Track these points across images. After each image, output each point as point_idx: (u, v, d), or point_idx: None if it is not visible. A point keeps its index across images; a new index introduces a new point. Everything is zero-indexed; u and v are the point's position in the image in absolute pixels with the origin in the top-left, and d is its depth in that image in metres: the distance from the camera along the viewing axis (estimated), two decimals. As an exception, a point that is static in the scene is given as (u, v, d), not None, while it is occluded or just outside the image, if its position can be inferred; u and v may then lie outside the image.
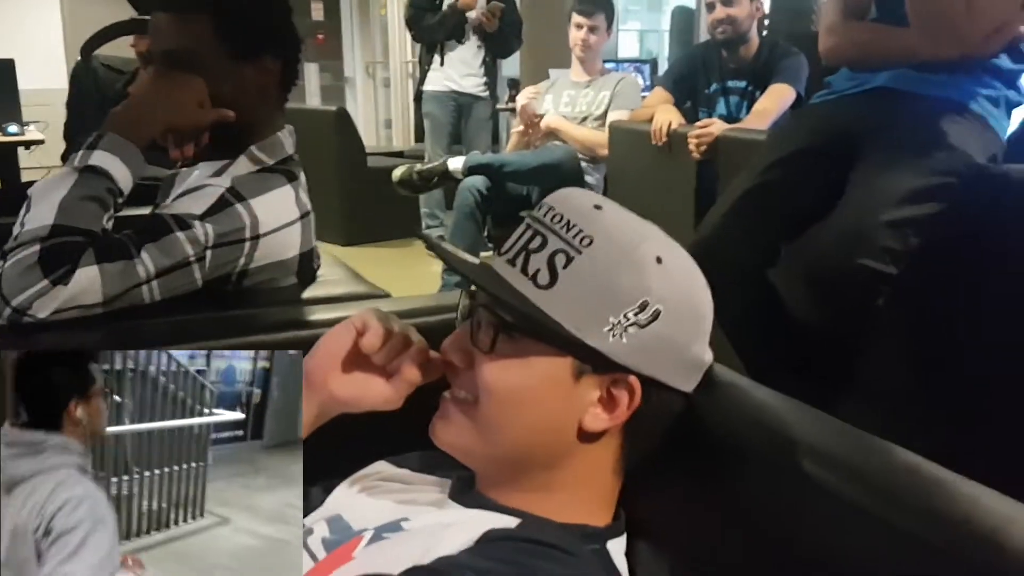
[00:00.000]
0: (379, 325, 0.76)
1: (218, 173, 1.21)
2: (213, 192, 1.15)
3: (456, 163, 3.45)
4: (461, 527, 0.70)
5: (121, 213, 1.13)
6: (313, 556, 0.75)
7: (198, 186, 1.18)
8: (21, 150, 3.68)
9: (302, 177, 1.28)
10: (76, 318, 1.03)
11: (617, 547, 0.75)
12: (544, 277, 0.71)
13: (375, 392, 0.78)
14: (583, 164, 3.50)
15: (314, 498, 0.87)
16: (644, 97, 3.63)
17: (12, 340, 1.01)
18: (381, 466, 0.89)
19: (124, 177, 1.09)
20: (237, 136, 1.22)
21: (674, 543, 0.77)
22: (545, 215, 0.73)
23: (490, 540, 0.69)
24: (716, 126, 2.61)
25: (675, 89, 3.13)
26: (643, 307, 0.70)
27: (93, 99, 2.67)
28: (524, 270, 0.72)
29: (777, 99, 2.89)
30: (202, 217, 1.12)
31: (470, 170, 3.41)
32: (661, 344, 0.72)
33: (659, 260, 0.72)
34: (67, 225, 1.02)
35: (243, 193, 1.16)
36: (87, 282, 1.02)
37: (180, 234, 1.09)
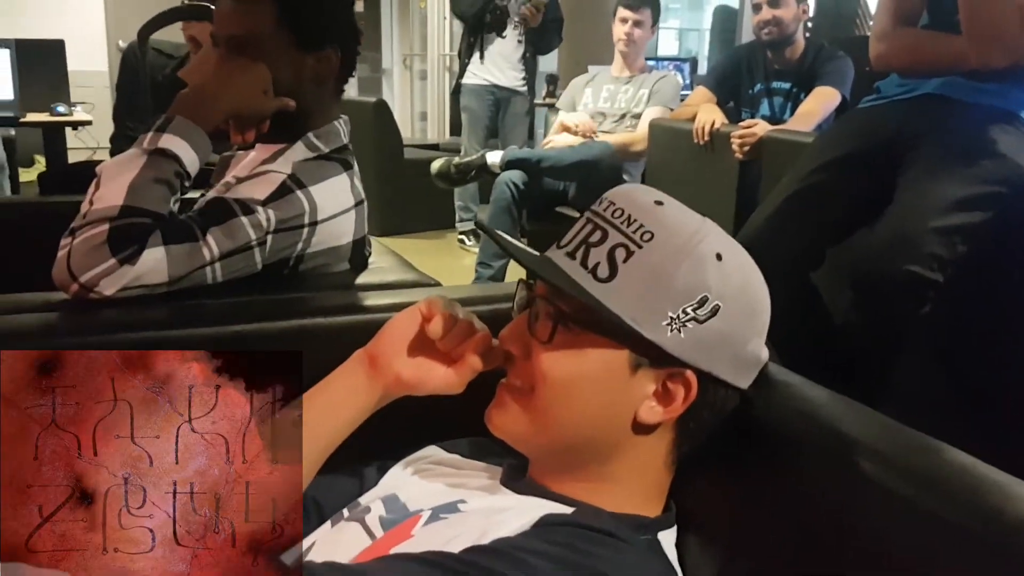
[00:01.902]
0: (444, 311, 0.78)
1: (274, 157, 1.23)
2: (275, 178, 1.17)
3: (494, 157, 3.47)
4: (517, 511, 0.72)
5: (189, 197, 1.16)
6: (371, 533, 0.77)
7: (259, 172, 1.20)
8: (68, 131, 3.75)
9: (356, 166, 1.30)
10: (141, 296, 1.05)
11: (668, 538, 0.77)
12: (604, 270, 0.72)
13: (438, 376, 0.80)
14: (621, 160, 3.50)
15: (368, 478, 0.89)
16: (683, 96, 3.62)
17: (77, 316, 1.05)
18: (432, 450, 0.91)
19: (191, 160, 1.11)
20: (295, 122, 1.24)
21: (723, 536, 0.78)
22: (606, 210, 0.75)
23: (546, 524, 0.70)
24: (760, 127, 2.60)
25: (718, 89, 3.13)
26: (702, 302, 0.71)
27: (142, 82, 2.71)
28: (584, 263, 0.73)
29: (822, 102, 2.88)
30: (264, 203, 1.14)
31: (508, 164, 3.42)
32: (719, 340, 0.73)
33: (719, 256, 0.73)
34: (136, 206, 1.05)
35: (303, 180, 1.18)
36: (153, 262, 1.04)
37: (244, 219, 1.12)
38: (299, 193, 1.17)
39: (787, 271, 1.76)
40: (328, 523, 0.83)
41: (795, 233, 1.80)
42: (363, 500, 0.83)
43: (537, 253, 0.80)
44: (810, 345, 1.75)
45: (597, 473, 0.77)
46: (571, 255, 0.75)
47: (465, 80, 4.54)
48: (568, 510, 0.74)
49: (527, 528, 0.70)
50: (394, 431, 0.88)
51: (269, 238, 1.14)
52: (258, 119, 1.20)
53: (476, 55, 4.46)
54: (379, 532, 0.77)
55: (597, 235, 0.74)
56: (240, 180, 1.21)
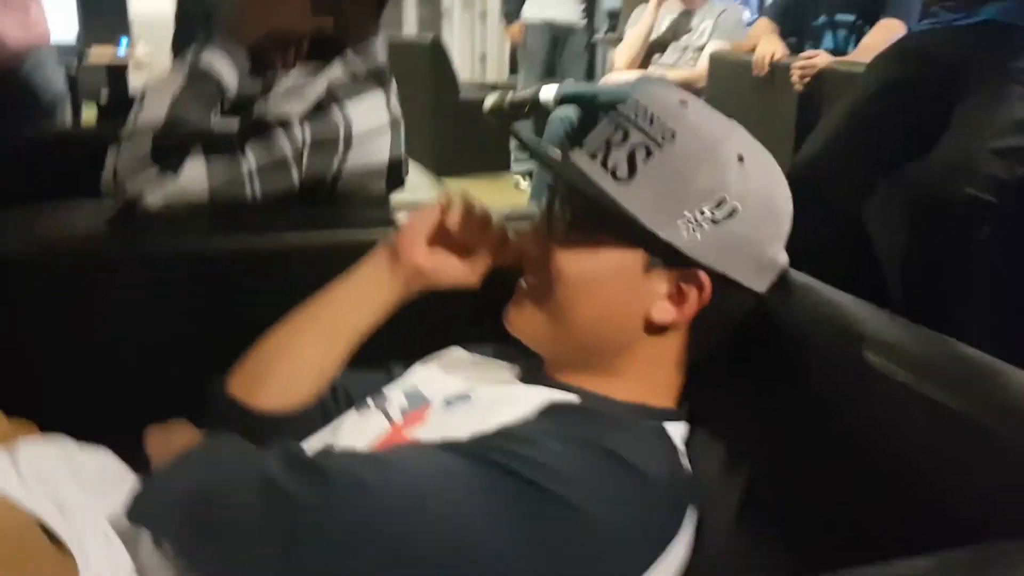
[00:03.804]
0: (461, 204, 0.81)
1: (312, 75, 1.24)
2: (311, 95, 1.19)
3: (548, 92, 3.43)
4: (523, 400, 0.73)
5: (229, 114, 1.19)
6: (390, 420, 0.80)
7: (296, 87, 1.21)
8: (131, 69, 3.83)
9: (393, 85, 1.31)
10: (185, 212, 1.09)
11: (676, 430, 0.77)
12: (623, 170, 0.72)
13: (454, 267, 0.83)
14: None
15: (395, 372, 0.92)
16: (747, 30, 3.52)
17: (124, 228, 1.09)
18: (455, 349, 0.93)
19: (231, 76, 1.13)
20: (333, 42, 1.24)
21: (735, 435, 0.78)
22: (630, 109, 0.74)
23: (552, 410, 0.71)
24: (822, 57, 2.53)
25: (781, 20, 3.02)
26: (720, 204, 0.71)
27: (200, 15, 2.73)
28: (604, 163, 0.73)
29: (886, 33, 2.75)
30: (301, 119, 1.16)
31: (562, 100, 3.39)
32: (736, 242, 0.72)
33: (740, 159, 0.72)
34: (178, 118, 1.08)
35: (339, 96, 1.20)
36: (194, 173, 1.08)
37: (280, 131, 1.14)
38: (335, 108, 1.19)
39: (838, 199, 1.72)
40: (354, 410, 0.86)
41: (850, 160, 1.75)
42: (386, 390, 0.87)
43: (559, 154, 0.81)
44: (866, 275, 1.72)
45: (608, 367, 0.77)
46: (592, 155, 0.75)
47: (522, 16, 4.48)
48: (575, 399, 0.75)
49: (533, 413, 0.71)
50: (421, 337, 0.90)
51: (305, 153, 1.16)
52: (296, 38, 1.20)
53: None
54: (399, 419, 0.80)
55: (619, 135, 0.74)
56: (278, 97, 1.23)
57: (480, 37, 8.28)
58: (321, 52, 1.24)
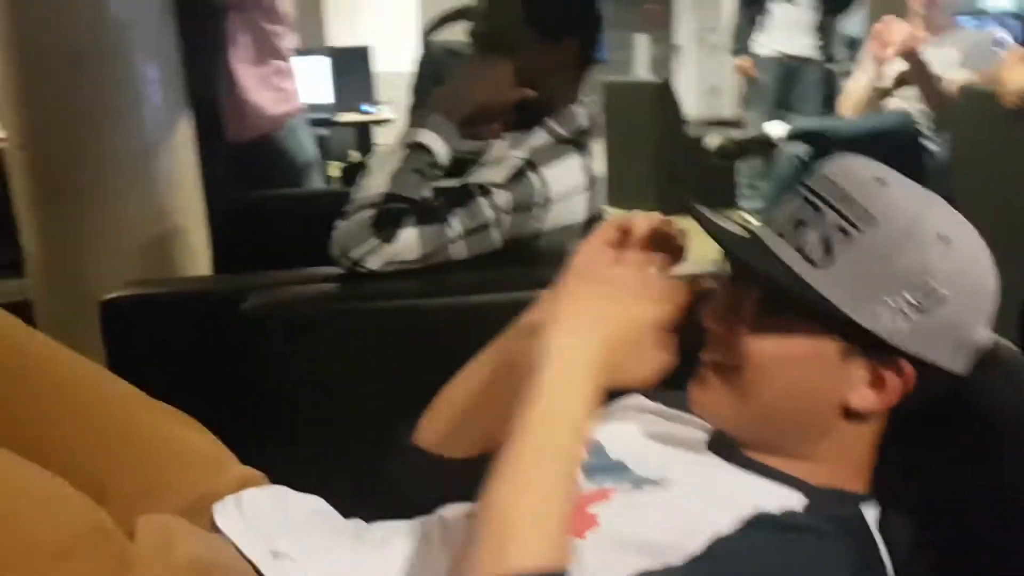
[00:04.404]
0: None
1: (517, 143, 1.33)
2: (512, 163, 1.28)
3: (776, 129, 3.32)
4: (725, 502, 0.69)
5: (441, 184, 1.30)
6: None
7: (500, 157, 1.31)
8: (375, 128, 4.18)
9: (592, 147, 1.37)
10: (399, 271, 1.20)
11: (871, 514, 0.73)
12: (817, 252, 0.69)
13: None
14: (923, 130, 3.18)
15: None
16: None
17: (348, 286, 1.21)
18: (635, 398, 0.91)
19: (443, 151, 1.25)
20: (537, 110, 1.33)
21: (925, 516, 0.73)
22: (822, 186, 0.72)
23: (756, 525, 0.67)
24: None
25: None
26: (923, 289, 0.67)
27: (432, 83, 2.93)
28: (796, 244, 0.71)
29: None
30: (502, 186, 1.25)
31: (792, 137, 3.27)
32: (941, 328, 0.68)
33: (945, 239, 0.68)
34: (396, 193, 1.21)
35: (537, 163, 1.28)
36: (409, 241, 1.19)
37: (483, 200, 1.24)
38: (532, 175, 1.26)
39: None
40: None
41: None
42: None
43: (743, 232, 0.79)
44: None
45: (803, 451, 0.75)
46: (781, 234, 0.73)
47: (753, 49, 4.37)
48: (783, 501, 0.71)
49: (737, 526, 0.67)
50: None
51: (506, 217, 1.25)
52: (502, 110, 1.31)
53: (760, 22, 4.27)
54: (583, 481, 0.76)
55: (811, 214, 0.71)
56: (485, 166, 1.33)
57: (712, 72, 8.18)
58: (525, 122, 1.34)
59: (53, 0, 1.64)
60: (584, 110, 1.37)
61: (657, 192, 4.82)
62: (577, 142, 1.34)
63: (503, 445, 0.70)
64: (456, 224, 1.22)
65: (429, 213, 1.22)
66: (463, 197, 1.24)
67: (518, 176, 1.26)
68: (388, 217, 1.19)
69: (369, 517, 0.86)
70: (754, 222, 0.83)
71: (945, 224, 0.69)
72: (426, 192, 1.25)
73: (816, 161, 3.21)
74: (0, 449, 0.72)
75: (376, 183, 1.22)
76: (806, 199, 0.72)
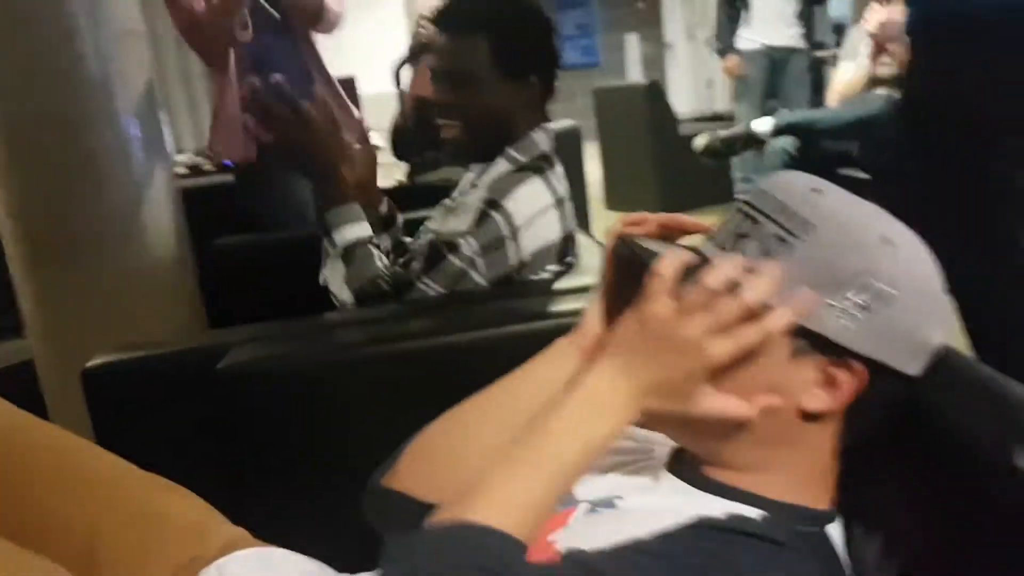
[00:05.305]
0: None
1: (480, 176, 1.39)
2: (475, 207, 1.31)
3: (762, 125, 3.34)
4: (674, 513, 0.71)
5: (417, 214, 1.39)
6: None
7: (462, 204, 1.38)
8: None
9: (558, 168, 1.39)
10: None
11: (835, 531, 0.74)
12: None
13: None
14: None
15: None
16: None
17: (326, 340, 1.28)
18: None
19: (366, 228, 1.37)
20: (497, 142, 1.37)
21: (888, 529, 0.74)
22: (760, 200, 0.73)
23: (700, 527, 0.69)
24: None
25: None
26: (869, 290, 0.68)
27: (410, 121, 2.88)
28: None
29: None
30: (468, 232, 1.29)
31: (778, 131, 3.28)
32: (891, 328, 0.70)
33: (888, 241, 0.70)
34: (363, 290, 1.33)
35: (496, 199, 1.30)
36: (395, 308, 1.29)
37: (451, 256, 1.29)
38: (494, 214, 1.29)
39: None
40: None
41: None
42: None
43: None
44: None
45: (760, 461, 0.75)
46: (722, 247, 0.75)
47: (738, 45, 4.38)
48: (723, 513, 0.72)
49: (679, 528, 0.69)
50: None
51: (479, 260, 1.29)
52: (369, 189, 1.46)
53: (743, 16, 4.28)
54: None
55: (749, 226, 0.73)
56: (452, 213, 1.41)
57: (705, 65, 8.18)
58: (488, 153, 1.38)
59: (30, 65, 1.66)
60: (545, 135, 1.40)
61: (654, 193, 4.85)
62: (538, 167, 1.36)
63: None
64: (432, 285, 1.29)
65: (403, 285, 1.32)
66: (432, 259, 1.30)
67: (482, 219, 1.29)
68: (369, 299, 1.32)
69: (364, 569, 0.86)
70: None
71: (887, 228, 0.71)
72: (383, 257, 1.35)
73: (804, 152, 3.25)
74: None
75: (343, 295, 1.34)
76: (745, 213, 0.74)
